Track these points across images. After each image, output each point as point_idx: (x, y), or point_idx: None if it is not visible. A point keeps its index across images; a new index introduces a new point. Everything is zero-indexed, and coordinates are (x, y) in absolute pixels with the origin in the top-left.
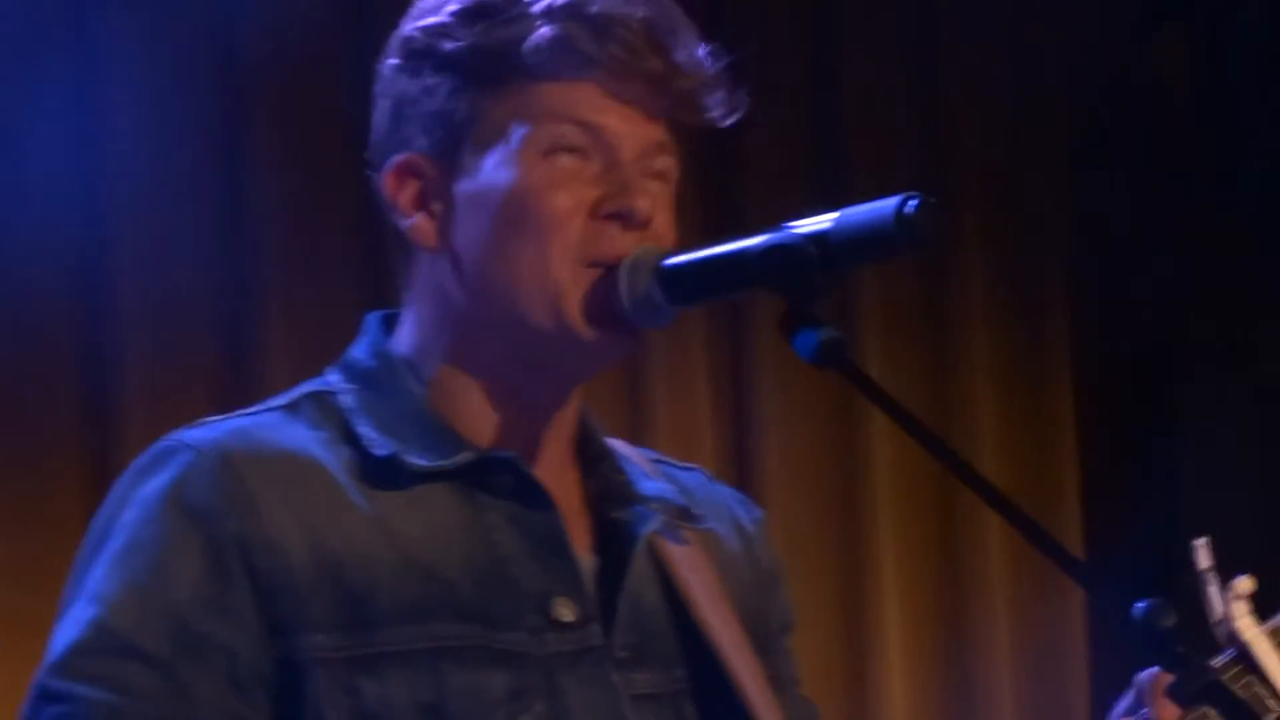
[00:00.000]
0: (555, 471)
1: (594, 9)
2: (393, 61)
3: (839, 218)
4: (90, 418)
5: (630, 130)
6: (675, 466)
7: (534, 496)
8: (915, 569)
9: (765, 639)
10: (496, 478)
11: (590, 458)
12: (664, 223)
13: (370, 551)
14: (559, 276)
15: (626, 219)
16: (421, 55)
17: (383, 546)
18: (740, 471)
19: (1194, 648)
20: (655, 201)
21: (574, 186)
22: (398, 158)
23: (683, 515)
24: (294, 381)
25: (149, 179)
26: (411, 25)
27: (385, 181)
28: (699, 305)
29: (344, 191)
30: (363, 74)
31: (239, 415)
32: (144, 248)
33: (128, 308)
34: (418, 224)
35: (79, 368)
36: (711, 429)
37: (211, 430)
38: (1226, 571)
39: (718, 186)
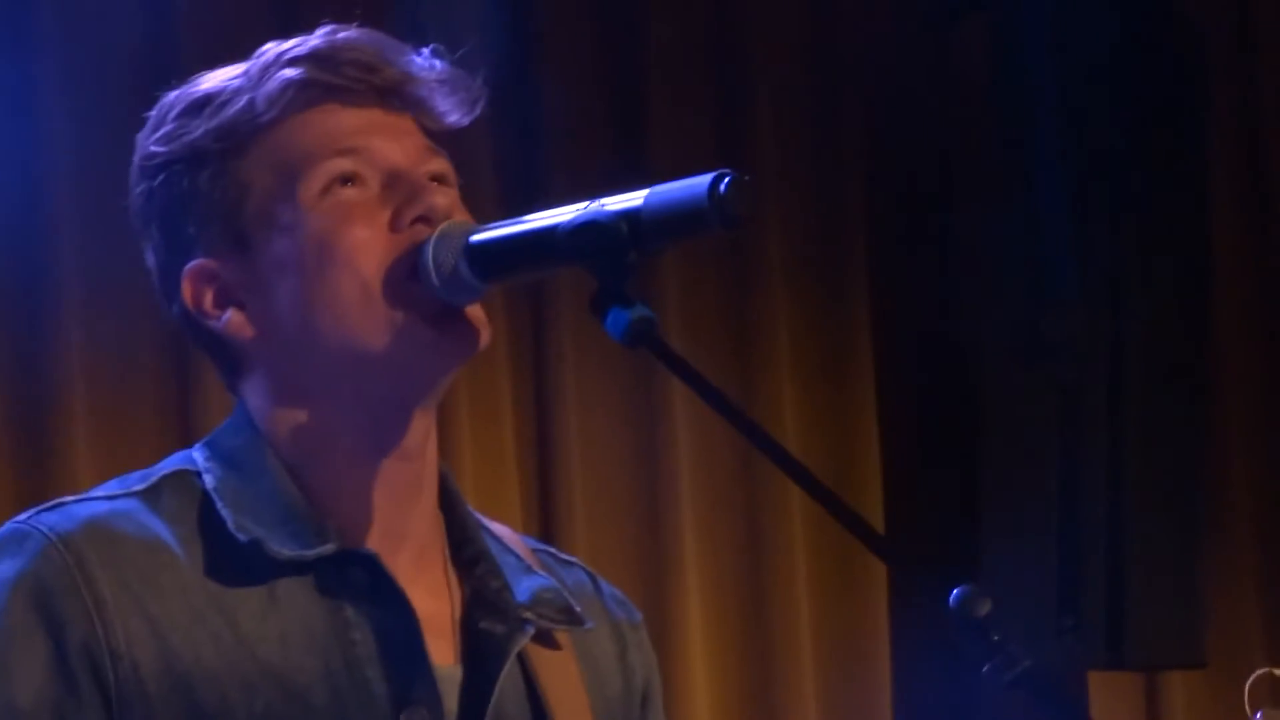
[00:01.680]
0: (418, 566)
1: (309, 47)
2: (141, 189)
3: (650, 195)
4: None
5: (394, 144)
6: (557, 559)
7: (391, 599)
8: (718, 565)
9: None
10: (354, 573)
11: (466, 559)
12: (459, 214)
13: (219, 665)
14: (377, 293)
15: (428, 219)
16: (164, 166)
17: (236, 657)
18: (541, 463)
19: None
20: (448, 200)
21: (363, 214)
22: (187, 269)
23: (563, 616)
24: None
25: (89, 183)
26: (144, 146)
27: (184, 298)
28: (509, 282)
29: None
30: None
31: (96, 498)
32: (86, 256)
33: (68, 317)
34: (230, 320)
35: (16, 371)
36: (512, 429)
37: (65, 518)
38: (1024, 558)
39: (516, 161)
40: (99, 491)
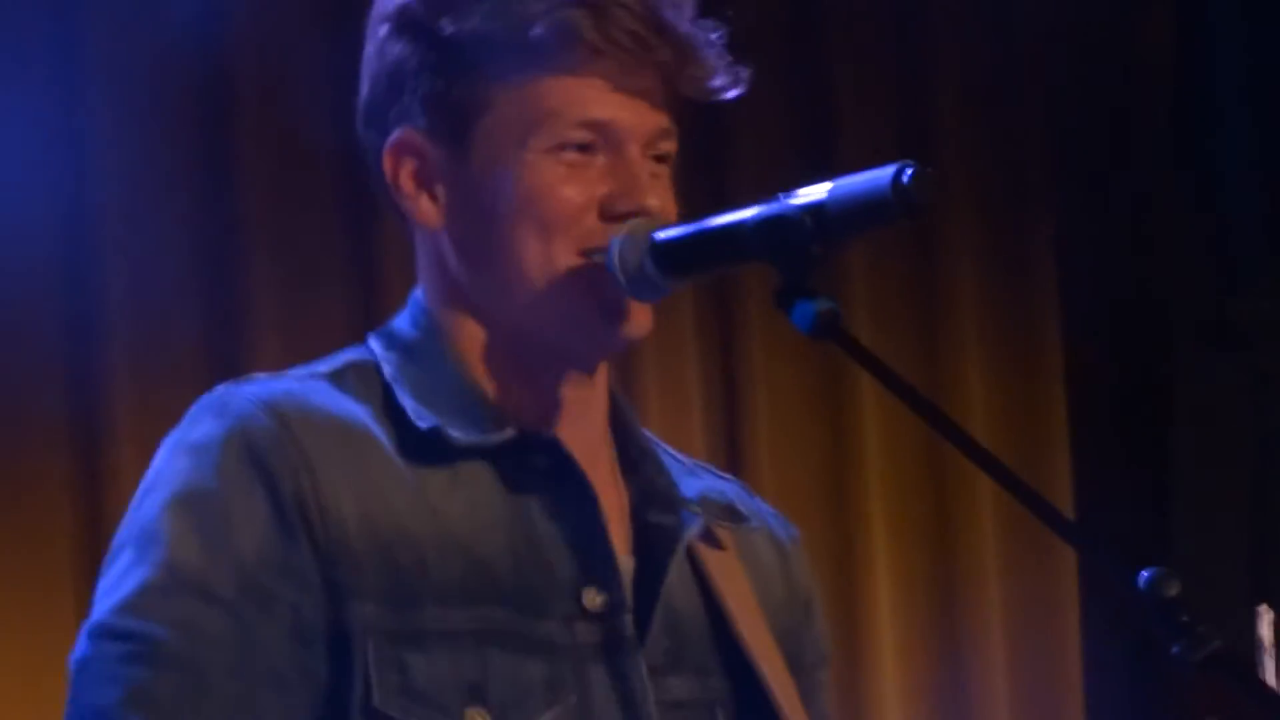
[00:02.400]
0: (591, 461)
1: None
2: (386, 25)
3: (834, 188)
4: (76, 429)
5: (638, 122)
6: (716, 474)
7: (573, 481)
8: (907, 550)
9: (799, 665)
10: (536, 457)
11: (633, 458)
12: (668, 208)
13: (417, 528)
14: (561, 266)
15: (639, 218)
16: (420, 28)
17: (429, 524)
18: (730, 455)
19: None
20: (661, 190)
21: (581, 181)
22: (396, 134)
23: (728, 514)
24: None
25: (133, 185)
26: None
27: (385, 158)
28: (694, 279)
29: (331, 198)
30: (345, 79)
31: (284, 378)
32: (129, 258)
33: (113, 318)
34: (420, 205)
35: (64, 378)
36: (701, 414)
37: (264, 388)
38: (1215, 547)
39: (703, 159)
40: (287, 373)
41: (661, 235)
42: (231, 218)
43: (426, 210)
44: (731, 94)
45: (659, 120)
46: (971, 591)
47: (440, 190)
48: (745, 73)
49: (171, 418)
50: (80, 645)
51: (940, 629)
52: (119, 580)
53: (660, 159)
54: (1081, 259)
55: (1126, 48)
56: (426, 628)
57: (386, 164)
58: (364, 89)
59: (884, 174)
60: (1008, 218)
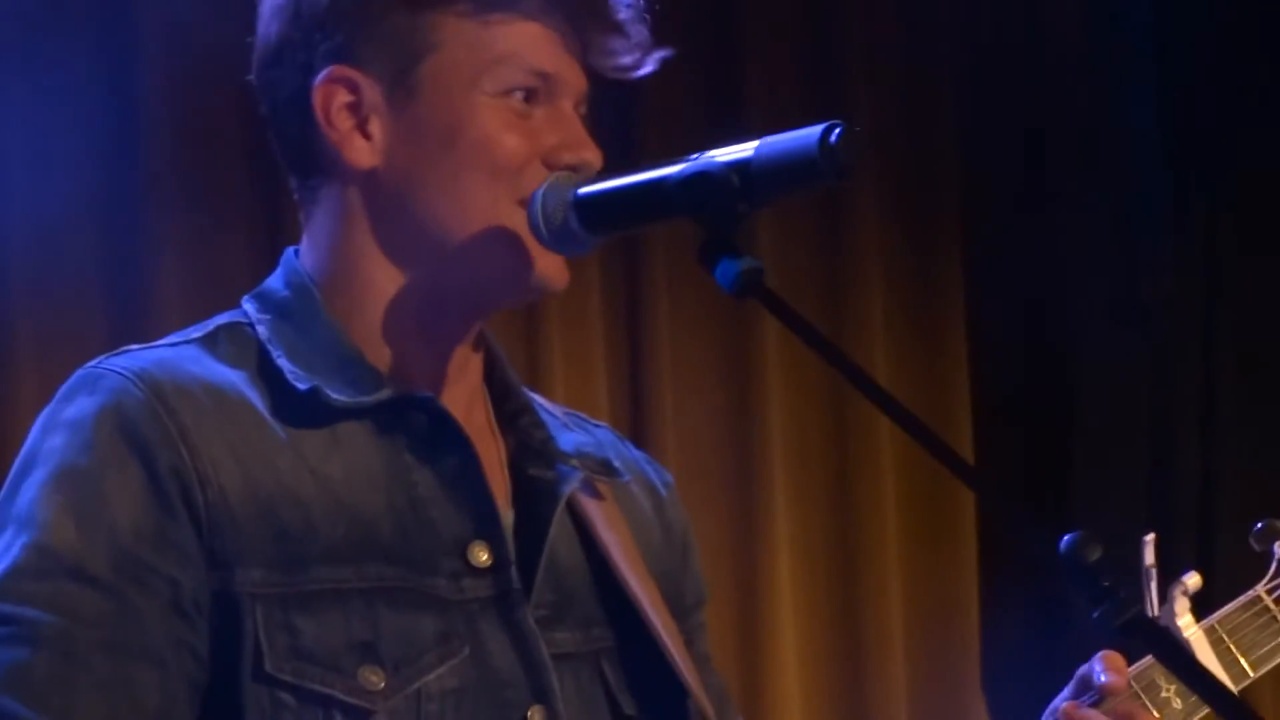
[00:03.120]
0: (467, 415)
1: None
2: None
3: (760, 146)
4: None
5: (573, 79)
6: (588, 422)
7: (451, 438)
8: (809, 517)
9: (679, 608)
10: (413, 416)
11: (509, 411)
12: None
13: (300, 490)
14: (503, 214)
15: (578, 171)
16: None
17: (310, 486)
18: (634, 420)
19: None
20: (597, 156)
21: (527, 131)
22: (329, 69)
23: (603, 469)
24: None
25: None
26: None
27: (316, 91)
28: (617, 234)
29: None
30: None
31: (158, 346)
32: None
33: (14, 272)
34: (353, 142)
35: None
36: (606, 378)
37: (136, 359)
38: (1114, 521)
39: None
40: (159, 342)
41: (584, 190)
42: (137, 169)
43: (359, 147)
44: (640, 73)
45: (585, 82)
46: (872, 558)
47: (376, 127)
48: (661, 53)
49: (70, 371)
50: None
51: (840, 595)
52: None
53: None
54: (988, 232)
55: (1036, 18)
56: (315, 589)
57: (318, 99)
58: (273, 28)
59: (811, 133)
60: (915, 192)
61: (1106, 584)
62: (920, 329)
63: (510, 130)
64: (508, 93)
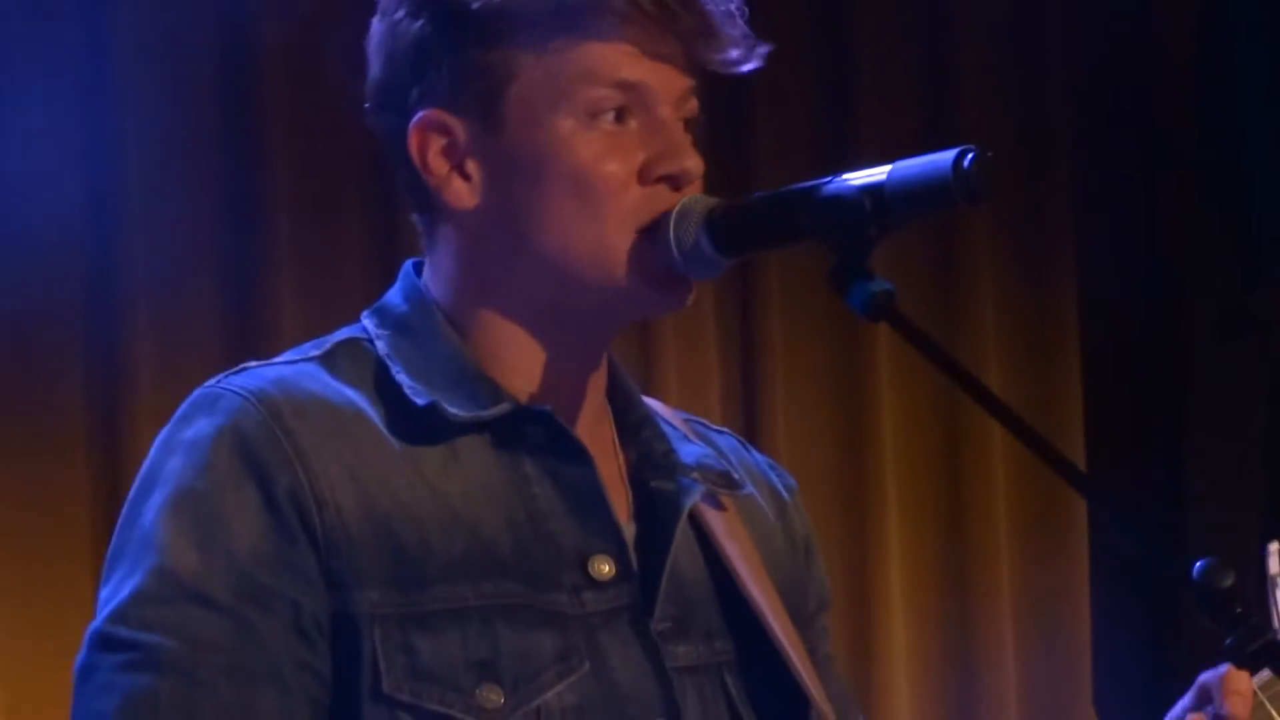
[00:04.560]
0: (590, 431)
1: None
2: (402, 4)
3: (893, 170)
4: (97, 399)
5: (666, 85)
6: (709, 429)
7: (570, 451)
8: (921, 531)
9: (802, 614)
10: (532, 430)
11: (631, 424)
12: (702, 169)
13: (417, 508)
14: (613, 243)
15: (677, 180)
16: (441, 3)
17: (428, 503)
18: (748, 433)
19: (1252, 609)
20: (699, 165)
21: (621, 152)
22: (422, 113)
23: (724, 481)
24: None
25: (158, 166)
26: None
27: (410, 138)
28: (748, 256)
29: (357, 181)
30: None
31: (276, 364)
32: (154, 237)
33: (133, 294)
34: (451, 184)
35: (85, 350)
36: (720, 391)
37: (254, 378)
38: (1223, 505)
39: (726, 138)
40: (279, 359)
41: (718, 213)
42: (255, 194)
43: (458, 189)
44: (748, 67)
45: (686, 82)
46: (983, 574)
47: (472, 167)
48: (764, 48)
49: (191, 389)
50: (82, 653)
51: (951, 606)
52: (117, 587)
53: (688, 123)
54: (1101, 248)
55: (1150, 36)
56: (433, 608)
57: (413, 144)
58: (376, 70)
59: (945, 158)
60: (1029, 206)
61: (1239, 611)
62: (1032, 341)
63: (603, 156)
64: (595, 115)
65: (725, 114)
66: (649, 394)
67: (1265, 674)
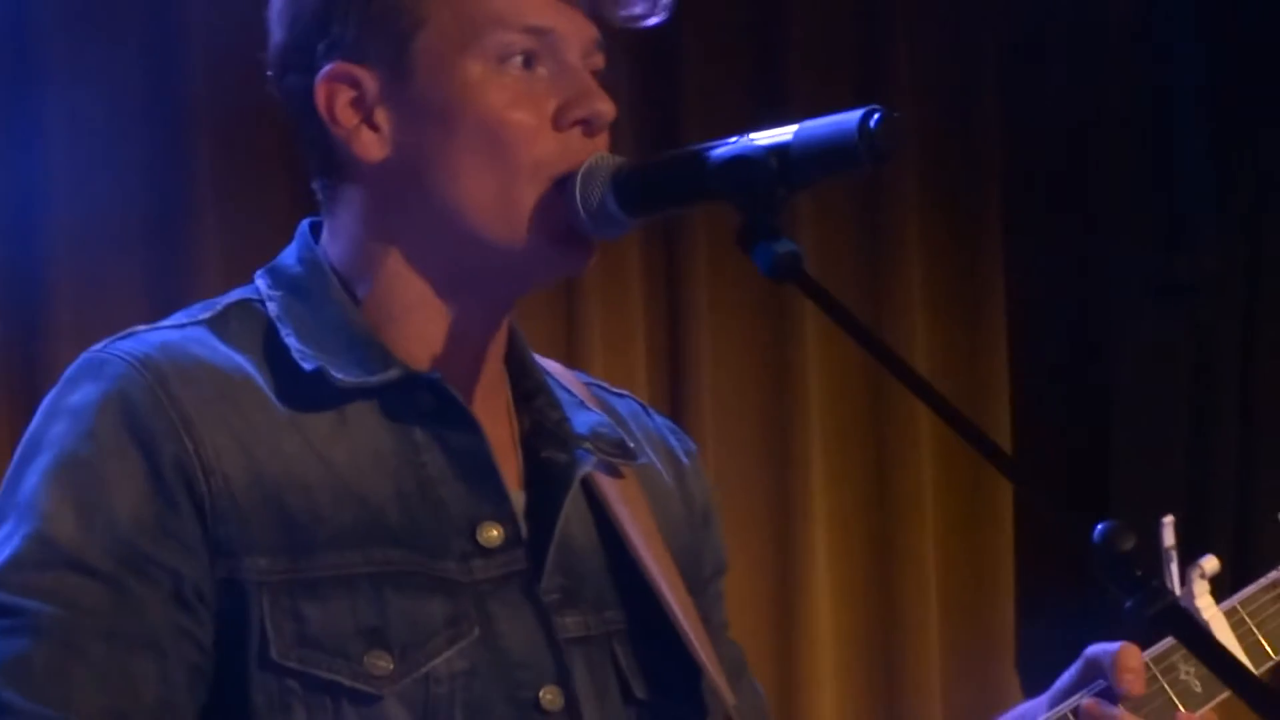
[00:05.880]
0: (483, 397)
1: None
2: None
3: (799, 130)
4: (16, 339)
5: (575, 32)
6: (610, 392)
7: (458, 418)
8: (845, 497)
9: (697, 580)
10: (420, 397)
11: (526, 391)
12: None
13: (305, 476)
14: (522, 196)
15: (590, 124)
16: None
17: (317, 470)
18: (673, 398)
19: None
20: (611, 109)
21: (531, 99)
22: (329, 66)
23: (618, 450)
24: None
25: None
26: None
27: (318, 91)
28: (655, 217)
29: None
30: None
31: (165, 327)
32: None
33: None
34: (360, 137)
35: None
36: (645, 356)
37: (140, 343)
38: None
39: (653, 91)
40: (167, 322)
41: (624, 172)
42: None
43: (367, 141)
44: (652, 21)
45: (593, 32)
46: (909, 535)
47: (381, 117)
48: (667, 1)
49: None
50: None
51: (876, 572)
52: None
53: (594, 74)
54: (1027, 215)
55: (1083, 7)
56: (321, 575)
57: (320, 97)
58: (280, 35)
59: (850, 118)
60: (956, 174)
61: (1139, 574)
62: (959, 311)
63: (514, 103)
64: (504, 60)
65: (655, 75)
66: (572, 357)
67: (1158, 647)
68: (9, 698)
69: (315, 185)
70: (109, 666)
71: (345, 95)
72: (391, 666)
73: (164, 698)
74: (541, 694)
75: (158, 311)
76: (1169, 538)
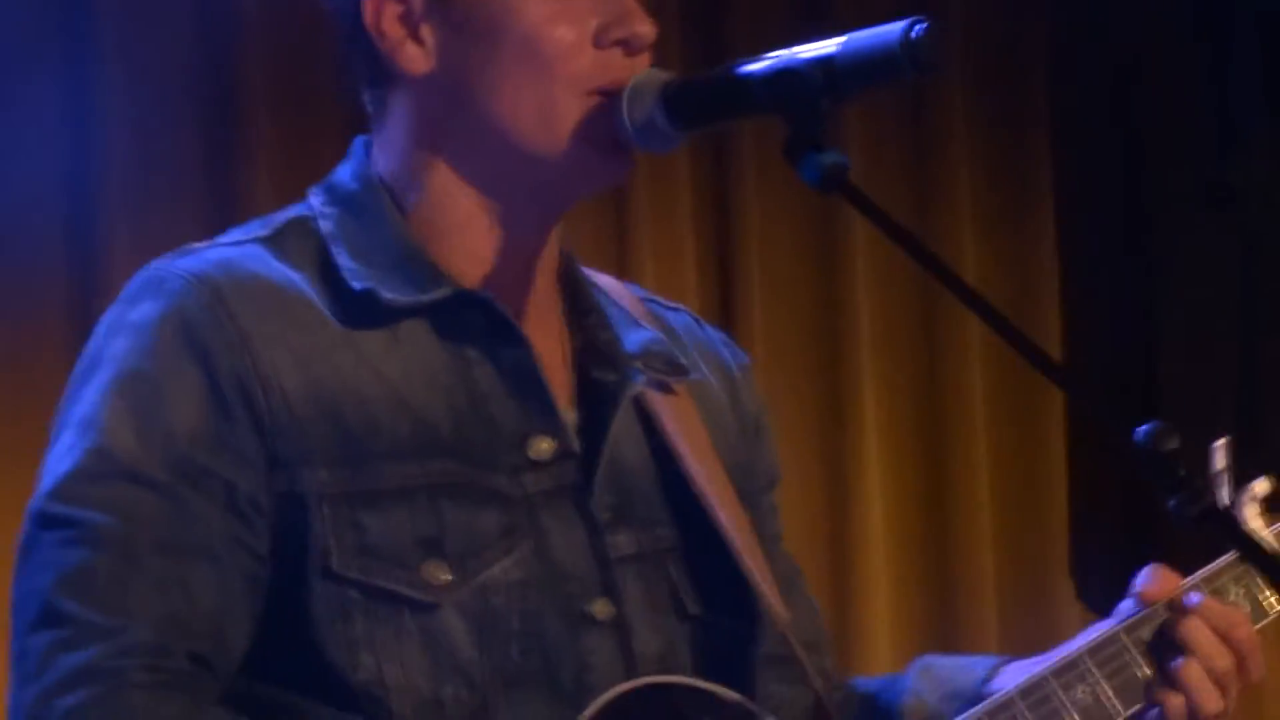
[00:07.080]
0: (535, 315)
1: None
2: None
3: (844, 43)
4: (75, 259)
5: None
6: (663, 306)
7: (508, 335)
8: (897, 407)
9: (750, 493)
10: (471, 315)
11: (579, 310)
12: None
13: (362, 389)
14: (564, 109)
15: (630, 44)
16: None
17: (373, 384)
18: (723, 312)
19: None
20: (652, 30)
21: (573, 16)
22: None
23: (670, 368)
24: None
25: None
26: None
27: (365, 5)
28: (702, 130)
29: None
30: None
31: (222, 245)
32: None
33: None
34: (405, 50)
35: (64, 208)
36: (695, 271)
37: (199, 261)
38: (1203, 403)
39: (700, 8)
40: (225, 239)
41: (674, 86)
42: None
43: (412, 54)
44: None
45: None
46: (960, 442)
47: (426, 32)
48: None
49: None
50: (22, 530)
51: (928, 478)
52: (56, 464)
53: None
54: (1075, 120)
55: None
56: (380, 486)
57: (368, 10)
58: None
59: (893, 30)
60: (1002, 74)
61: (1183, 474)
62: (1008, 222)
63: (554, 19)
64: None
65: None
66: (622, 268)
67: (1210, 568)
68: (69, 607)
69: (364, 97)
70: (166, 575)
71: (392, 10)
72: (449, 577)
73: (221, 605)
74: (594, 606)
75: (213, 230)
76: (1221, 460)
